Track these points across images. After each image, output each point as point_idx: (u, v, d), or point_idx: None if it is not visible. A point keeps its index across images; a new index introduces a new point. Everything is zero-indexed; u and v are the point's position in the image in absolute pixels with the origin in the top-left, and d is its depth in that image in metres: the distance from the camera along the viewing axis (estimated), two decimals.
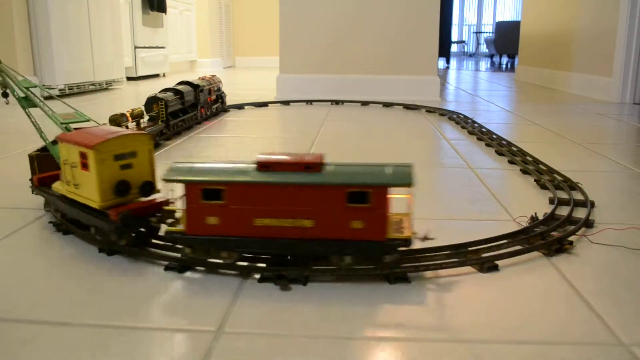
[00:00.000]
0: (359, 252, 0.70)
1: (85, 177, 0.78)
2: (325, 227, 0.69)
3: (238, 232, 0.71)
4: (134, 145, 0.81)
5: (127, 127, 1.46)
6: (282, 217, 0.70)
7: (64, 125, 0.93)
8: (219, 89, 2.31)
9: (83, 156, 0.77)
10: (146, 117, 1.67)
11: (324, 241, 0.70)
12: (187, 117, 1.88)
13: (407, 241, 0.70)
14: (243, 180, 0.69)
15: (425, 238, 0.73)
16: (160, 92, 1.77)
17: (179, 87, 1.87)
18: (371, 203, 0.68)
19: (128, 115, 1.50)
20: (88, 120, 0.97)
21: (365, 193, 0.67)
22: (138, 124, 1.57)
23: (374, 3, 2.92)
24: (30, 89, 0.96)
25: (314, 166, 0.69)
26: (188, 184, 0.71)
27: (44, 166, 0.98)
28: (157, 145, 1.61)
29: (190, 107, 1.93)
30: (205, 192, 0.70)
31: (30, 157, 0.98)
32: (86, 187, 0.78)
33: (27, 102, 0.95)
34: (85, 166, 0.77)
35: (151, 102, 1.70)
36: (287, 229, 0.70)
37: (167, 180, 0.71)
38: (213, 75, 2.31)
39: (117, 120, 1.42)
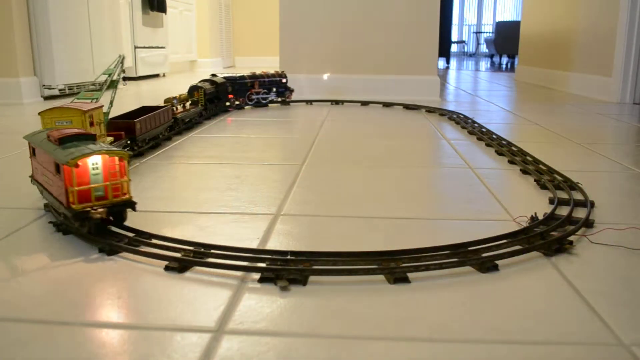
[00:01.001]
0: (66, 214, 0.84)
1: None
2: (55, 188, 0.87)
3: (42, 182, 0.95)
4: (69, 116, 1.11)
5: (176, 107, 1.85)
6: (46, 175, 0.92)
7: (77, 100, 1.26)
8: (272, 82, 2.58)
9: None
10: (189, 102, 2.04)
11: (56, 199, 0.87)
12: (220, 104, 2.28)
13: (76, 213, 0.81)
14: (35, 144, 0.94)
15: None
16: (199, 82, 2.15)
17: (215, 79, 2.26)
18: (60, 175, 0.83)
19: (178, 98, 1.88)
20: (97, 99, 1.27)
21: (59, 166, 0.83)
22: (184, 106, 1.93)
23: (374, 3, 2.92)
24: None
25: (57, 141, 0.86)
26: (28, 143, 0.99)
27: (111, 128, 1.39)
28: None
29: (223, 96, 2.31)
30: (32, 149, 0.98)
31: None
32: None
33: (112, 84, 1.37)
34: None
35: (193, 90, 2.07)
36: (49, 185, 0.90)
37: (24, 137, 1.00)
38: (278, 71, 2.61)
39: (170, 101, 1.83)
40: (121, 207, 0.85)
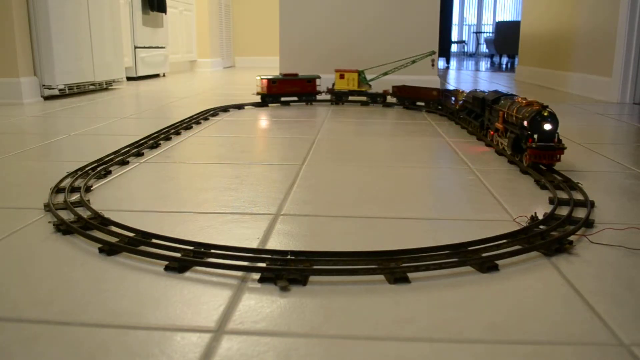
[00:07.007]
0: None
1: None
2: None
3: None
4: (348, 72, 2.63)
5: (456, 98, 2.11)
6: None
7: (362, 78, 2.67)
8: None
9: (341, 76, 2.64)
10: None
11: None
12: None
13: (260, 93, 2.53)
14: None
15: None
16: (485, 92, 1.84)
17: (484, 94, 1.74)
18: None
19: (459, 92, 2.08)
20: (368, 83, 2.65)
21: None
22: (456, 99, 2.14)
23: (374, 3, 2.92)
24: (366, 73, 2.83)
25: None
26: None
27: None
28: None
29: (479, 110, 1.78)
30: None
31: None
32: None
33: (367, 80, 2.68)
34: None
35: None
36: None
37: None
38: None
39: (456, 95, 2.12)
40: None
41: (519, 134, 1.32)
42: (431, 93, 2.40)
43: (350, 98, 2.69)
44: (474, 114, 1.80)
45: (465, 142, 1.68)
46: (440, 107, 2.32)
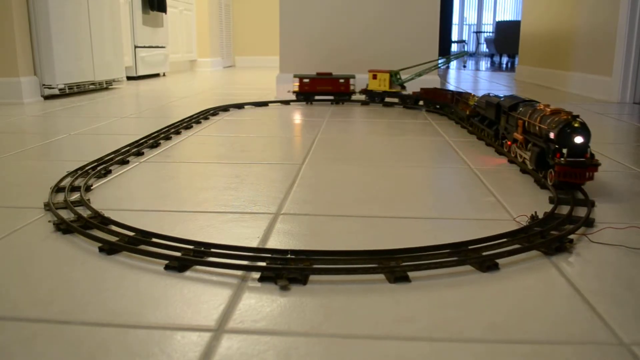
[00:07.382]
0: None
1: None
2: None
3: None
4: (380, 72, 2.58)
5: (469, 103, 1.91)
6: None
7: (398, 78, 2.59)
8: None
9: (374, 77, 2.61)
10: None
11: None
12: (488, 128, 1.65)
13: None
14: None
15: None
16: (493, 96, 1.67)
17: (498, 100, 1.56)
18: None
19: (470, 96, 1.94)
20: (402, 84, 2.57)
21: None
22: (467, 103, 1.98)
23: (374, 4, 2.92)
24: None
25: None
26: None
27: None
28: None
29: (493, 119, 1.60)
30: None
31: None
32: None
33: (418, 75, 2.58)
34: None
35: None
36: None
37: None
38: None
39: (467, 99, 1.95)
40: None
41: (545, 148, 1.15)
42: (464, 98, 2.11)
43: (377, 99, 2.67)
44: (487, 121, 1.65)
45: (466, 141, 1.68)
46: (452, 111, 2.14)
